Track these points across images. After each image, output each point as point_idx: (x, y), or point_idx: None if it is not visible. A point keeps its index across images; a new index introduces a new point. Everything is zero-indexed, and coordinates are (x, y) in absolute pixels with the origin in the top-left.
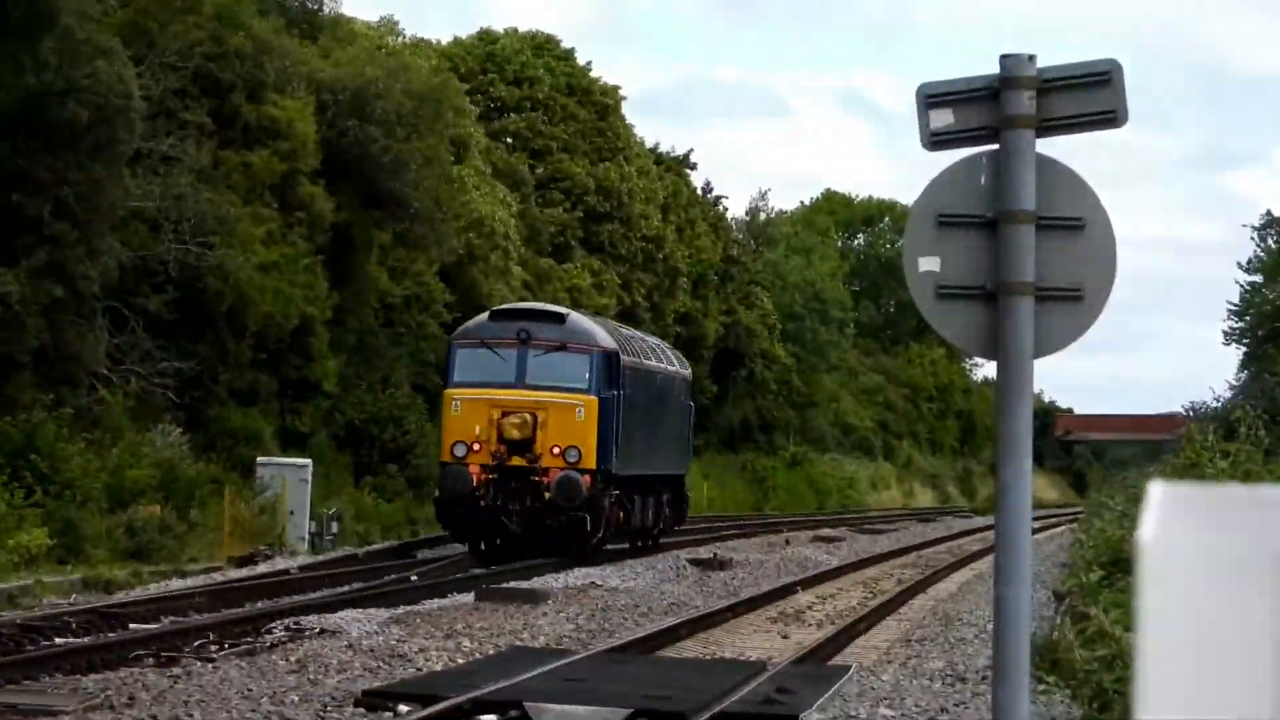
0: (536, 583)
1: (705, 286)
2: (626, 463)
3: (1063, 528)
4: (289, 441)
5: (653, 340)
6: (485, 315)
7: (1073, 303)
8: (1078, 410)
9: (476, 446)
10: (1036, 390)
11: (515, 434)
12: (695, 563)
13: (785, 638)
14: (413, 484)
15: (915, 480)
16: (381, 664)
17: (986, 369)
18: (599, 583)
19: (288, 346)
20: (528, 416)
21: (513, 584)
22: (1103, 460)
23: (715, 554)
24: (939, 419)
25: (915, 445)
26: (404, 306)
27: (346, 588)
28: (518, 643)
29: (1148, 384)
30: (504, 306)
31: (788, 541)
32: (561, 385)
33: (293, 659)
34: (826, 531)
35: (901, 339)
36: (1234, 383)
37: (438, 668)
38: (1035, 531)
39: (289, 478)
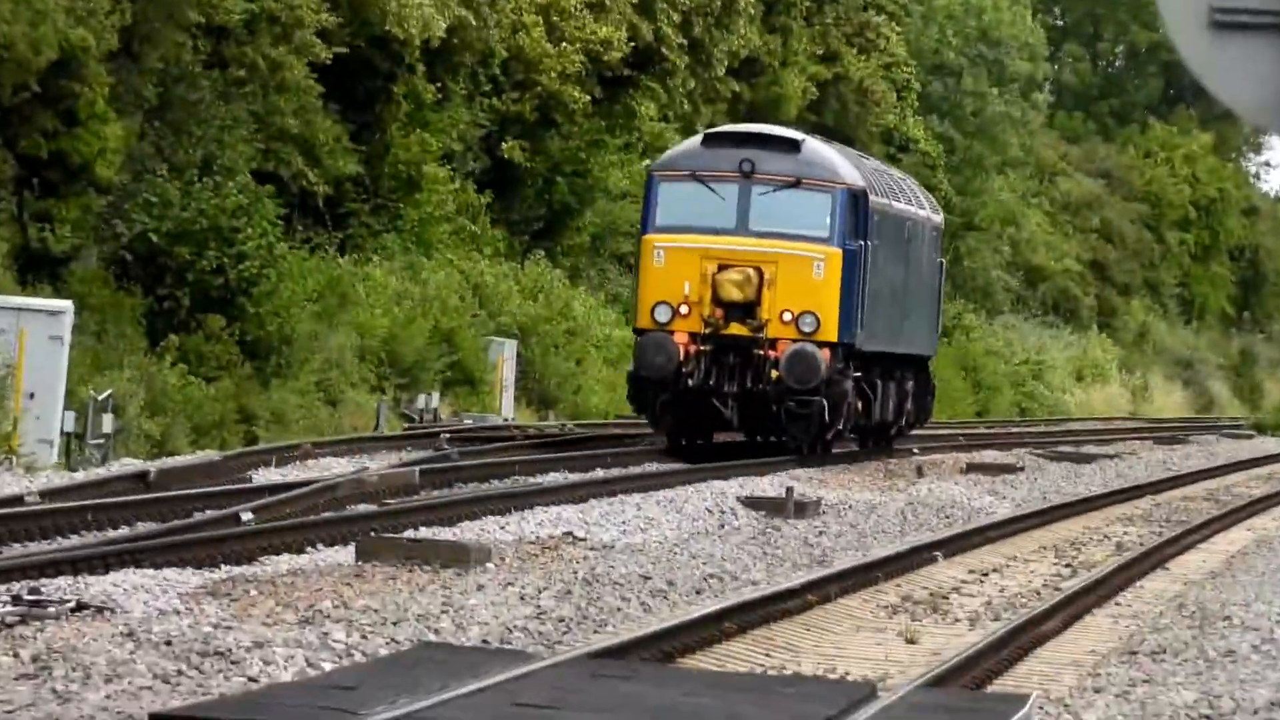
0: (467, 531)
1: (786, 12)
2: (872, 337)
3: None
4: (32, 269)
5: (897, 174)
6: (697, 140)
7: None
8: None
9: (685, 309)
10: None
11: (735, 294)
12: (752, 504)
13: (911, 641)
14: (252, 351)
15: (1154, 369)
16: (185, 668)
17: None
18: (580, 534)
19: (34, 99)
20: (751, 272)
21: (426, 534)
22: None
23: (789, 490)
24: (1198, 260)
25: (1155, 307)
26: (246, 33)
27: (125, 530)
28: (430, 636)
29: None
30: (720, 129)
31: (920, 470)
32: (796, 233)
33: (25, 655)
34: (991, 455)
35: (1135, 115)
36: None
37: (285, 677)
38: None
39: (30, 334)
